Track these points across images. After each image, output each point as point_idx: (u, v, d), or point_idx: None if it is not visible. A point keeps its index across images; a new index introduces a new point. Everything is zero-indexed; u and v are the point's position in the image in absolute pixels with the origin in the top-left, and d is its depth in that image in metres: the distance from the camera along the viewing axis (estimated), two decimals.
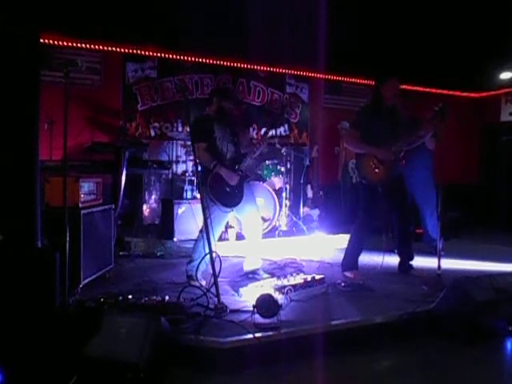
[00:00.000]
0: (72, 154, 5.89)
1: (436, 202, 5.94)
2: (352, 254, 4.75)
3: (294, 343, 3.13)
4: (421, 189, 4.82)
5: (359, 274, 4.64)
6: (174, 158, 7.18)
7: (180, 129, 7.54)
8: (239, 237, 6.23)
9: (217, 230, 4.29)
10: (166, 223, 6.39)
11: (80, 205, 4.08)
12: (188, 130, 4.78)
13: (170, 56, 7.50)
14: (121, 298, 3.50)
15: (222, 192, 4.28)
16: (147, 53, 7.34)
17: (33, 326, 2.93)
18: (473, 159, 9.64)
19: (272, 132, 8.26)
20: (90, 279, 4.06)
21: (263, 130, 8.15)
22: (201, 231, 4.28)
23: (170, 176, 7.06)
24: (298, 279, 4.02)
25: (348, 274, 4.67)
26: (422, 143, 5.44)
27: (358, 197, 4.81)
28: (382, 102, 4.61)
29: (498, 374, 3.11)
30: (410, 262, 4.82)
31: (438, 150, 5.95)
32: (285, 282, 3.92)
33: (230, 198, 4.34)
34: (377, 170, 4.52)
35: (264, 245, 5.96)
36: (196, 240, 4.43)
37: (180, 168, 7.31)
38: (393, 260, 5.10)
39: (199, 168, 4.52)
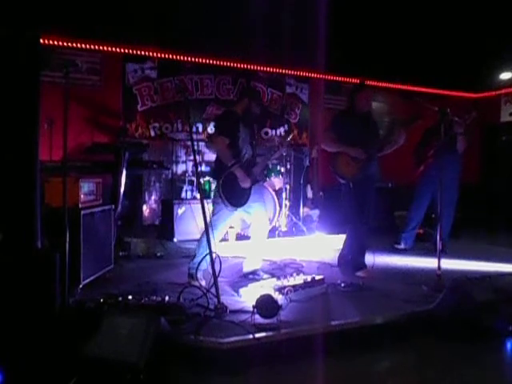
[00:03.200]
0: (72, 154, 5.89)
1: (456, 205, 5.99)
2: (357, 254, 4.79)
3: (293, 343, 3.14)
4: (444, 190, 4.81)
5: (369, 272, 4.67)
6: (174, 159, 7.17)
7: (180, 129, 7.54)
8: (239, 237, 6.23)
9: (222, 229, 4.34)
10: (165, 224, 6.39)
11: (80, 205, 4.08)
12: (188, 129, 4.79)
13: (170, 56, 7.50)
14: (121, 298, 3.50)
15: (232, 191, 4.29)
16: (147, 53, 7.34)
17: (33, 327, 2.93)
18: (473, 159, 9.61)
19: (272, 132, 8.27)
20: (89, 280, 4.06)
21: (272, 132, 8.17)
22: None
23: (170, 176, 7.06)
24: (298, 280, 4.01)
25: (360, 273, 4.70)
26: (454, 146, 5.52)
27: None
28: (355, 109, 4.81)
29: (498, 374, 3.11)
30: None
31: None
32: (285, 282, 3.92)
33: (238, 198, 4.35)
34: (350, 167, 4.68)
35: (264, 245, 5.99)
36: (201, 236, 4.42)
37: (180, 168, 7.31)
38: (393, 260, 5.12)
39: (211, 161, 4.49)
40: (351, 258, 4.86)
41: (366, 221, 4.76)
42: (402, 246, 6.06)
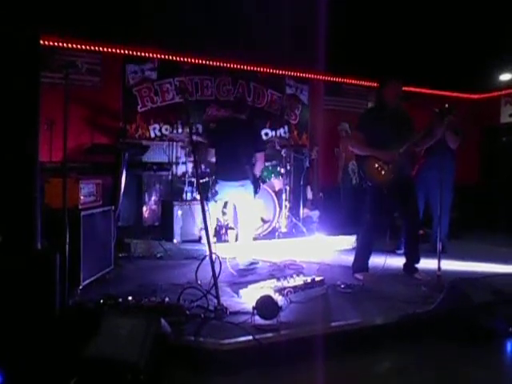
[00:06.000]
0: (72, 155, 5.89)
1: (451, 205, 5.98)
2: (362, 256, 4.78)
3: (293, 345, 3.13)
4: (436, 189, 4.78)
5: (369, 275, 4.66)
6: (174, 160, 7.17)
7: (180, 130, 7.55)
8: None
9: None
10: (165, 225, 6.39)
11: (80, 206, 4.08)
12: (188, 131, 4.91)
13: (170, 57, 7.50)
14: (121, 299, 3.50)
15: None
16: (147, 54, 7.35)
17: (32, 328, 2.93)
18: (473, 160, 9.64)
19: (272, 133, 8.28)
20: (89, 281, 4.06)
21: (271, 133, 8.18)
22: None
23: (170, 177, 7.06)
24: (298, 281, 4.02)
25: (358, 275, 4.69)
26: (443, 144, 5.48)
27: (358, 198, 4.83)
28: (384, 104, 4.66)
29: (498, 375, 3.11)
30: (415, 265, 4.81)
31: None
32: (285, 283, 3.92)
33: None
34: (382, 172, 4.55)
35: (264, 246, 6.00)
36: None
37: (180, 169, 7.31)
38: (393, 261, 5.11)
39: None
40: (354, 259, 4.86)
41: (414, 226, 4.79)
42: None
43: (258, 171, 5.32)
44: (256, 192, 5.26)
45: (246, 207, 5.23)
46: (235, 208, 5.58)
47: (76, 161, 5.84)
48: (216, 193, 5.14)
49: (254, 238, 5.83)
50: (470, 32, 6.64)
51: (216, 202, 5.24)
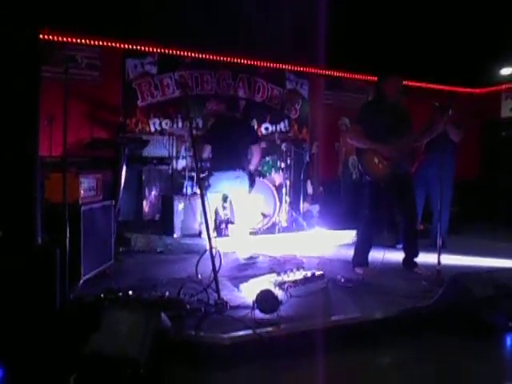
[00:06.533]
0: (72, 150, 5.88)
1: (451, 200, 5.97)
2: (361, 250, 4.78)
3: (293, 339, 3.14)
4: (437, 185, 4.74)
5: (369, 270, 4.66)
6: (174, 154, 7.17)
7: (180, 125, 7.54)
8: None
9: None
10: (166, 219, 6.39)
11: (80, 201, 4.08)
12: (188, 125, 4.91)
13: (170, 52, 7.48)
14: (121, 293, 3.51)
15: None
16: (147, 48, 7.32)
17: (33, 323, 2.93)
18: (473, 155, 9.62)
19: (272, 128, 8.26)
20: (90, 275, 4.06)
21: (272, 127, 8.16)
22: None
23: (170, 172, 7.05)
24: (298, 275, 4.01)
25: (358, 270, 4.70)
26: (445, 139, 5.45)
27: (358, 193, 4.82)
28: (384, 98, 4.65)
29: (498, 369, 3.11)
30: (415, 259, 4.81)
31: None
32: (285, 277, 3.92)
33: None
34: (380, 166, 4.54)
35: (264, 240, 6.01)
36: None
37: (180, 164, 7.31)
38: (393, 256, 5.11)
39: None
40: (354, 253, 4.87)
41: (413, 223, 4.78)
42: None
43: (253, 166, 5.38)
44: (251, 186, 5.26)
45: (241, 201, 5.28)
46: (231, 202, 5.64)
47: (76, 155, 5.84)
48: (209, 185, 5.15)
49: (253, 233, 5.85)
50: (471, 26, 6.62)
51: (210, 192, 5.20)
